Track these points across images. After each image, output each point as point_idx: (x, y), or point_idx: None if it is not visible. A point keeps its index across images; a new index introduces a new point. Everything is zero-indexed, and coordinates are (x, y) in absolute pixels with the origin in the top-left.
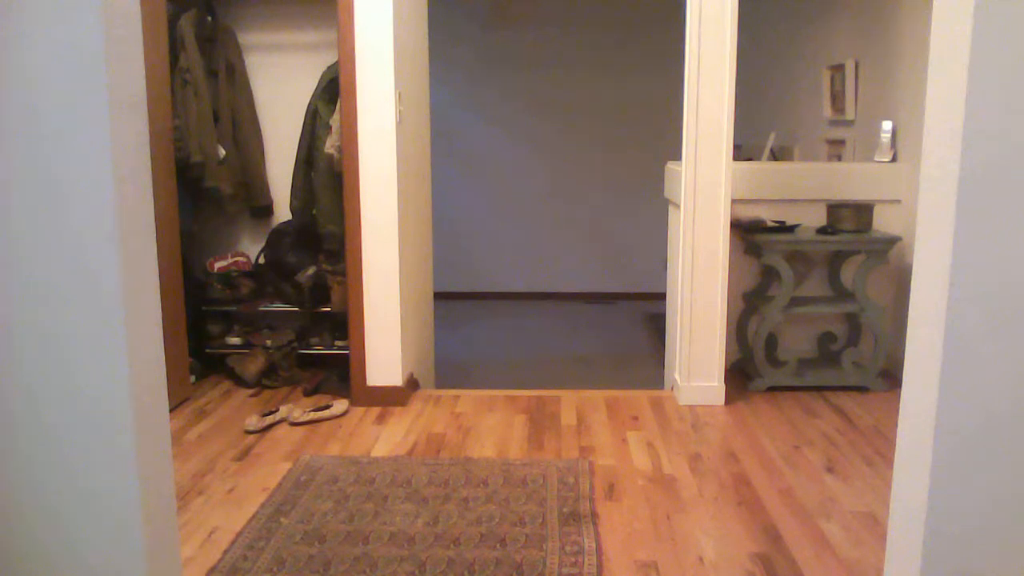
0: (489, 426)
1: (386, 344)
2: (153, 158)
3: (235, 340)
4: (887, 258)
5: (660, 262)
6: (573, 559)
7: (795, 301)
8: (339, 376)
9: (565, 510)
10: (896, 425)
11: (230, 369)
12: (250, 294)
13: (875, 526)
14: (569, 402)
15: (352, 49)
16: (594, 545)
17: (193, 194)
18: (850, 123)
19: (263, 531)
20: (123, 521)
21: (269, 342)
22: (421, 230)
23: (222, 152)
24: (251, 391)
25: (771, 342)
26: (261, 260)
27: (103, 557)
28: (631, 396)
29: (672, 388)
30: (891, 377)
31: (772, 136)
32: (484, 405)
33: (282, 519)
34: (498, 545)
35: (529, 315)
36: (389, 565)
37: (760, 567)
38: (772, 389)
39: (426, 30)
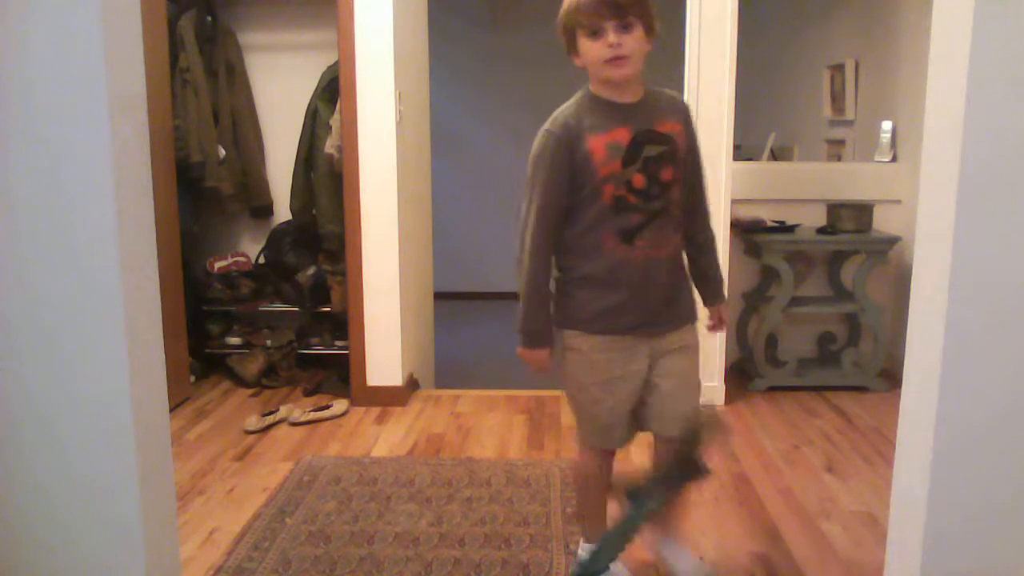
0: (489, 426)
1: (386, 344)
2: (153, 158)
3: (235, 340)
4: (887, 258)
5: None
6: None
7: (795, 301)
8: (339, 376)
9: (568, 510)
10: (896, 425)
11: (230, 369)
12: (250, 294)
13: (875, 526)
14: None
15: (352, 49)
16: None
17: (193, 194)
18: (850, 123)
19: (267, 531)
20: (123, 521)
21: (269, 342)
22: (421, 230)
23: (222, 152)
24: (251, 391)
25: (771, 342)
26: (261, 260)
27: (103, 557)
28: None
29: None
30: (891, 377)
31: (772, 136)
32: (484, 405)
33: (287, 519)
34: (503, 545)
35: None
36: (396, 566)
37: (760, 567)
38: (772, 389)
39: (426, 30)
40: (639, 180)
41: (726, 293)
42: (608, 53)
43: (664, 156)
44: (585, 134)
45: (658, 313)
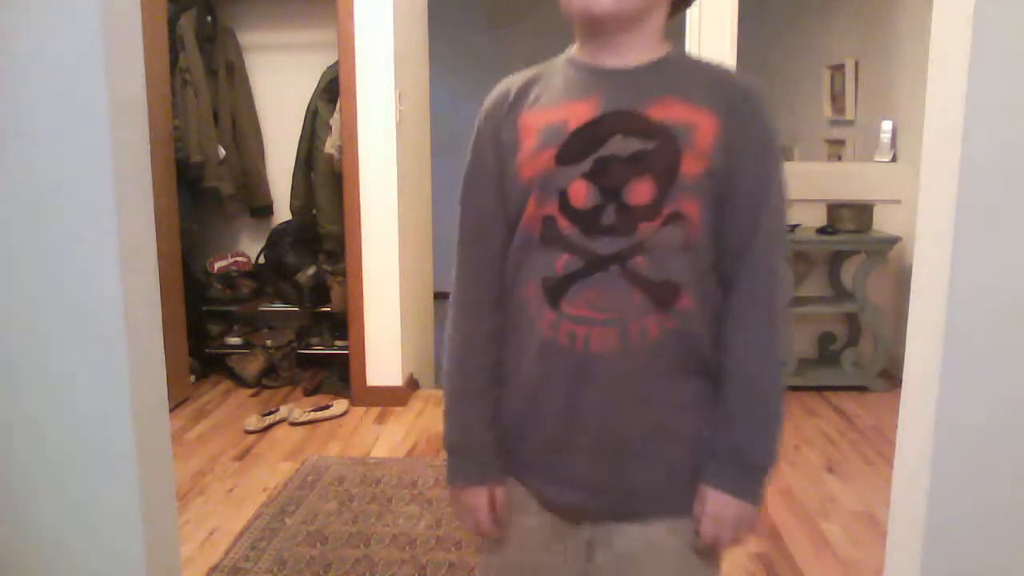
0: None
1: (386, 344)
2: (153, 158)
3: (235, 340)
4: (887, 258)
5: None
6: None
7: (795, 301)
8: (339, 376)
9: None
10: (896, 425)
11: (230, 369)
12: (250, 294)
13: (875, 526)
14: None
15: (352, 49)
16: None
17: (193, 194)
18: (850, 123)
19: (266, 531)
20: (123, 521)
21: (269, 342)
22: (421, 230)
23: (222, 152)
24: (251, 391)
25: None
26: (261, 260)
27: (103, 557)
28: None
29: None
30: (891, 377)
31: None
32: None
33: (287, 519)
34: None
35: None
36: (389, 568)
37: (760, 567)
38: None
39: (426, 30)
40: (579, 193)
41: (759, 485)
42: None
43: (644, 160)
44: (519, 110)
45: (595, 472)
